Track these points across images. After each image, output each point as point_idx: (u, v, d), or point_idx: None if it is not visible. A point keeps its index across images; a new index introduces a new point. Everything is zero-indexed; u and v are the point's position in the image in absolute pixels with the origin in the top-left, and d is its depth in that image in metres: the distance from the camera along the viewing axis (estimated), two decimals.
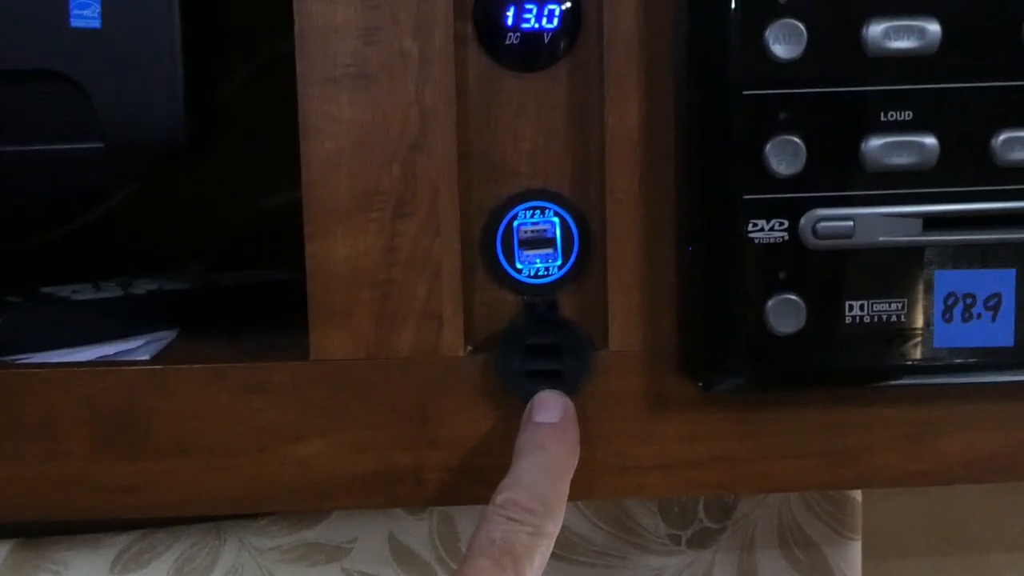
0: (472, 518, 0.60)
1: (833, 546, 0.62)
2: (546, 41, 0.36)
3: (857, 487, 0.41)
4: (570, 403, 0.35)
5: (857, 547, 0.62)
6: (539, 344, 0.36)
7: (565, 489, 0.34)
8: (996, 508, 0.73)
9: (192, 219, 0.51)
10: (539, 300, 0.37)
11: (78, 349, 0.39)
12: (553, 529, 0.32)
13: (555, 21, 0.36)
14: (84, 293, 0.43)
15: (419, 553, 0.60)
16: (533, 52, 0.36)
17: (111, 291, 0.44)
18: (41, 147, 0.36)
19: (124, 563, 0.52)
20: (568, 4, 0.36)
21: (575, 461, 0.35)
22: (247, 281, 0.48)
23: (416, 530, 0.60)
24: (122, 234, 0.50)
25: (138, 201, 0.47)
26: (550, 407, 0.35)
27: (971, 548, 0.74)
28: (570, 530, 0.59)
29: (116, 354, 0.39)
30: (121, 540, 0.52)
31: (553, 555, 0.59)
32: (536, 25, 0.36)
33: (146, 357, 0.38)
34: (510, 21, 0.36)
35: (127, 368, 0.37)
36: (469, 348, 0.37)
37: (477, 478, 0.37)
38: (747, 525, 0.61)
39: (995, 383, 0.37)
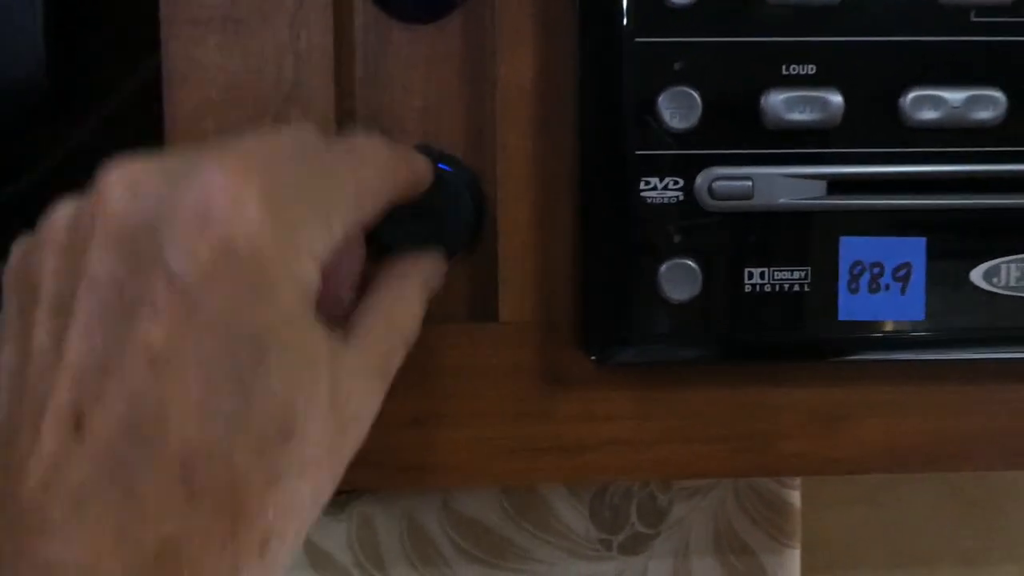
0: (393, 524, 0.57)
1: (771, 554, 0.60)
2: None
3: (767, 475, 0.39)
4: None
5: (796, 556, 0.60)
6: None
7: None
8: (947, 521, 0.71)
9: None
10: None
11: None
12: None
13: None
14: None
15: (337, 557, 0.57)
16: (424, 1, 0.34)
17: None
18: None
19: None
20: None
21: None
22: None
23: (334, 533, 0.57)
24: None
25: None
26: None
27: (921, 563, 0.72)
28: (492, 532, 0.56)
29: None
30: None
31: (473, 559, 0.57)
32: None
33: None
34: None
35: None
36: None
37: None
38: (682, 530, 0.59)
39: (914, 363, 0.35)
